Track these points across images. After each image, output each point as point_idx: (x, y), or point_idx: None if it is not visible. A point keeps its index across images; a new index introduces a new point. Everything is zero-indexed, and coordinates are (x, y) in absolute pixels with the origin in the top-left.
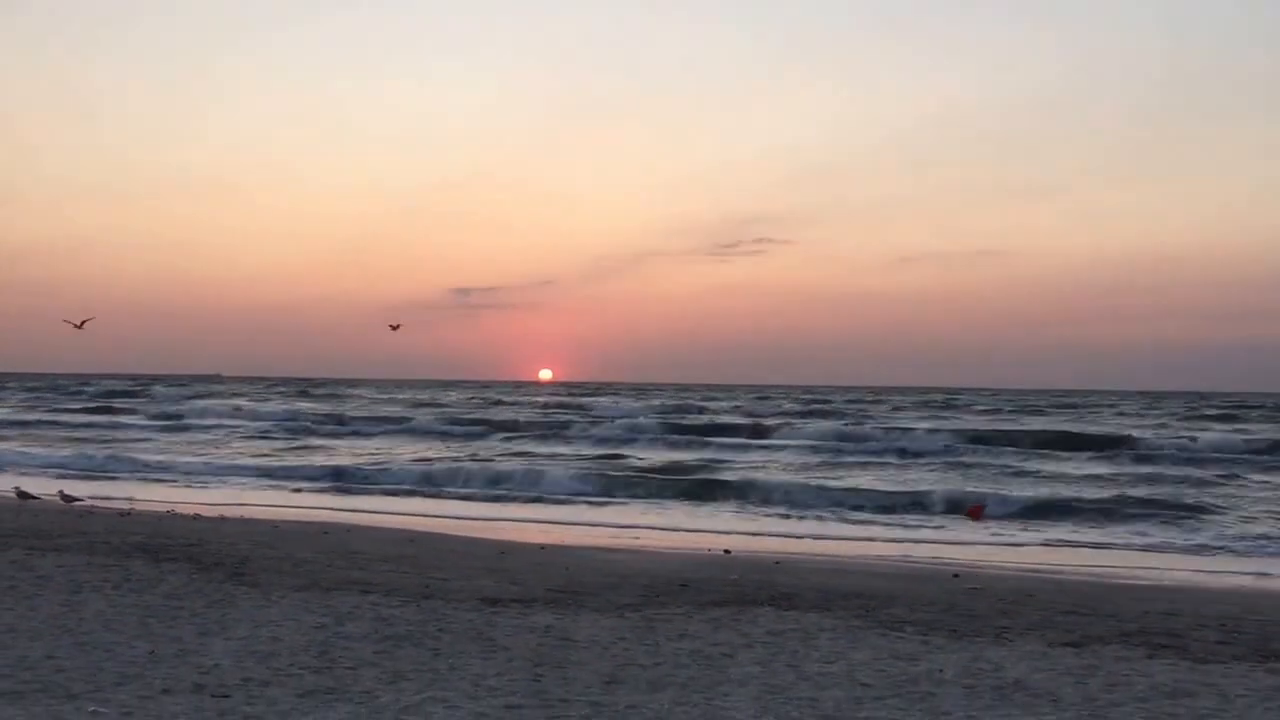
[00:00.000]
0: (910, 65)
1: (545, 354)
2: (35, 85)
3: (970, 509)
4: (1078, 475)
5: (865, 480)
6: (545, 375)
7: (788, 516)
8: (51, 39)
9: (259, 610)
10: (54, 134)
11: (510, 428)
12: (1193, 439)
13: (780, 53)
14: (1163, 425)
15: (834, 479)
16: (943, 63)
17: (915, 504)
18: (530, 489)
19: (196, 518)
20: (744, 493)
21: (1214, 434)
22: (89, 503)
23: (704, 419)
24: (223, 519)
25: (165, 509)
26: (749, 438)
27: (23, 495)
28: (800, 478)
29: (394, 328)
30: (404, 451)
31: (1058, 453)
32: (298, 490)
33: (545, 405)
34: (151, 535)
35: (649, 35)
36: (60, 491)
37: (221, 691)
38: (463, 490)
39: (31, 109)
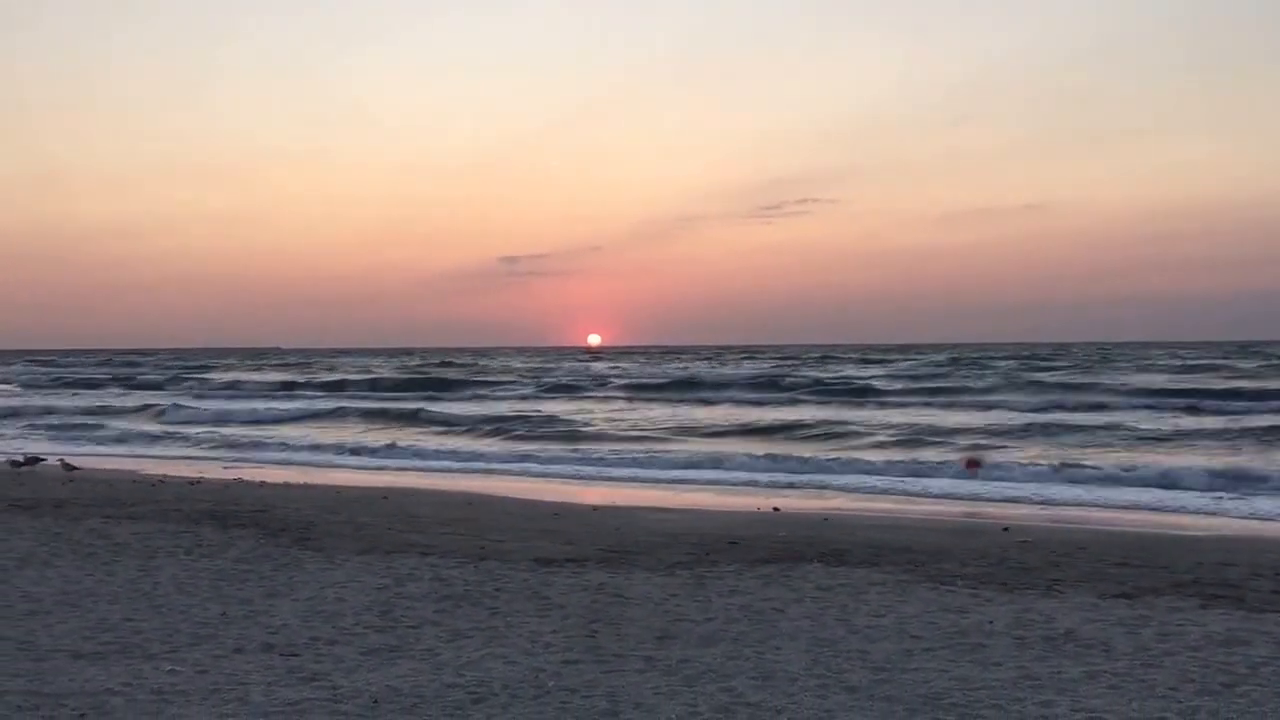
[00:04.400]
0: (951, 22)
1: (594, 319)
2: (104, 72)
3: (967, 463)
4: None
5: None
6: (594, 340)
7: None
8: (101, 28)
9: (324, 573)
10: (116, 119)
11: None
12: None
13: (822, 13)
14: None
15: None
16: (985, 19)
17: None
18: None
19: (262, 484)
20: None
21: None
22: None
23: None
24: (287, 485)
25: (232, 477)
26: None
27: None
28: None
29: None
30: None
31: None
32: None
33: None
34: (219, 502)
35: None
36: (61, 460)
37: (290, 650)
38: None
39: (100, 95)
